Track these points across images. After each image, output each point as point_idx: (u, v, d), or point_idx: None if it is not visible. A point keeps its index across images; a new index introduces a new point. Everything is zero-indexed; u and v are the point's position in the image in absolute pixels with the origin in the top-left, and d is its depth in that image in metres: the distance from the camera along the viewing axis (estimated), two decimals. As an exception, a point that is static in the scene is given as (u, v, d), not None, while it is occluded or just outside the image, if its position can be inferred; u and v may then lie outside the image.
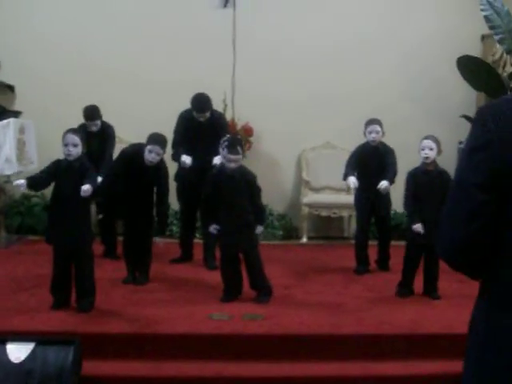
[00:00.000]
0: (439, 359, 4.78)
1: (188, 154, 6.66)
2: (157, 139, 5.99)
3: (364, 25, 8.62)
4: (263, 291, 5.67)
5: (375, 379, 4.66)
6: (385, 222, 6.86)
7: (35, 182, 5.36)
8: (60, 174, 5.31)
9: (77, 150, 5.27)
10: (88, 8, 8.53)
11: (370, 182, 6.52)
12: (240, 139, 5.72)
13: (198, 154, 6.62)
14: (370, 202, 6.66)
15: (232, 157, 5.48)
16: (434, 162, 5.81)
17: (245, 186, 5.57)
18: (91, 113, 7.10)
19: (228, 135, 5.95)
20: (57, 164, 5.39)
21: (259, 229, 5.73)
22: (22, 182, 5.26)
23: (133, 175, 6.04)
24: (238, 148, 5.51)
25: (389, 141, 6.80)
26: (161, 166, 6.12)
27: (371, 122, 6.55)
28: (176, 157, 6.76)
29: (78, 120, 7.04)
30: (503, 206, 1.94)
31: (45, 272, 6.04)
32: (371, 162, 6.62)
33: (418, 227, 5.72)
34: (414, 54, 8.64)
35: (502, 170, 1.92)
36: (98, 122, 7.14)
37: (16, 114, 8.18)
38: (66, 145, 5.26)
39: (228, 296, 5.64)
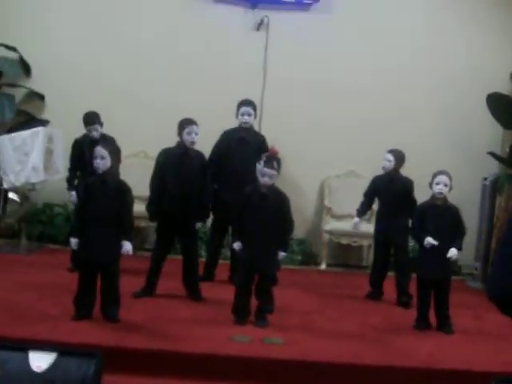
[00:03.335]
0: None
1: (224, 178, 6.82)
2: (189, 120, 6.22)
3: (394, 58, 8.62)
4: (264, 315, 5.67)
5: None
6: (401, 252, 6.82)
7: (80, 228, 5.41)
8: (92, 189, 5.37)
9: (104, 163, 5.32)
10: (125, 25, 8.62)
11: (388, 212, 6.80)
12: (278, 157, 5.74)
13: (236, 176, 6.71)
14: (383, 230, 6.81)
15: (267, 170, 5.49)
16: (444, 197, 5.85)
17: (277, 207, 5.59)
18: (91, 117, 6.96)
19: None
20: (88, 185, 5.49)
21: (281, 254, 5.69)
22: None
23: (179, 169, 6.25)
24: (275, 163, 5.54)
25: (413, 173, 6.82)
26: (204, 157, 6.48)
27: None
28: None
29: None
30: None
31: (65, 282, 6.10)
32: (389, 192, 6.80)
33: (429, 240, 5.72)
34: (442, 89, 8.64)
35: None
36: (98, 128, 6.93)
37: (45, 123, 8.23)
38: (94, 157, 5.32)
39: (243, 317, 5.63)
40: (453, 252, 5.69)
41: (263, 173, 5.51)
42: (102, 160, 5.33)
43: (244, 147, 6.86)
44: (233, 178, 6.74)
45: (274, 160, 5.57)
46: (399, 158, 6.79)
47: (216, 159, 6.90)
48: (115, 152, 6.40)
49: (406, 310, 6.46)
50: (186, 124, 6.21)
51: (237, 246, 5.69)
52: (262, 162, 5.53)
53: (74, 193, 6.87)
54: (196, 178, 6.26)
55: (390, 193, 6.81)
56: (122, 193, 5.42)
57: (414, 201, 6.65)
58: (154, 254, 6.39)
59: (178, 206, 6.17)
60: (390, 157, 6.77)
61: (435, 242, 5.70)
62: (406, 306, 6.54)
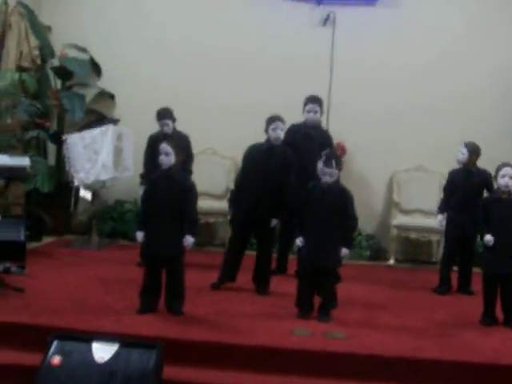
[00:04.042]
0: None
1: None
2: (277, 117, 6.28)
3: (456, 45, 8.53)
4: (327, 310, 5.66)
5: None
6: (470, 245, 6.87)
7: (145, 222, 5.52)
8: (157, 184, 5.48)
9: (169, 159, 5.41)
10: (192, 24, 8.77)
11: (464, 205, 6.72)
12: (337, 154, 5.74)
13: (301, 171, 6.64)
14: (460, 223, 6.75)
15: (327, 170, 5.49)
16: (510, 191, 5.74)
17: (339, 203, 5.56)
18: (162, 112, 7.10)
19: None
20: (153, 180, 5.60)
21: (344, 251, 5.64)
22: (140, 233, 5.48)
23: (261, 164, 6.28)
24: (333, 162, 5.51)
25: (480, 161, 6.78)
26: (289, 155, 6.44)
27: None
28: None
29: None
30: None
31: (133, 276, 6.21)
32: (466, 185, 6.78)
33: (488, 238, 5.65)
34: (504, 72, 8.46)
35: None
36: (170, 123, 7.07)
37: (115, 122, 8.39)
38: (159, 153, 5.42)
39: (306, 311, 5.64)
40: None
41: (323, 172, 5.52)
42: (166, 156, 5.42)
43: (309, 143, 6.85)
44: (298, 174, 6.74)
45: (332, 158, 5.55)
46: (473, 150, 6.76)
47: None
48: (184, 149, 6.51)
49: (471, 296, 6.68)
50: (271, 120, 6.28)
51: (299, 241, 5.69)
52: (321, 162, 5.53)
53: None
54: (277, 175, 6.27)
55: (467, 186, 6.77)
56: (186, 188, 5.48)
57: None
58: (229, 248, 6.49)
59: (256, 201, 6.22)
60: (464, 149, 6.78)
61: (491, 242, 5.63)
62: (471, 294, 6.77)
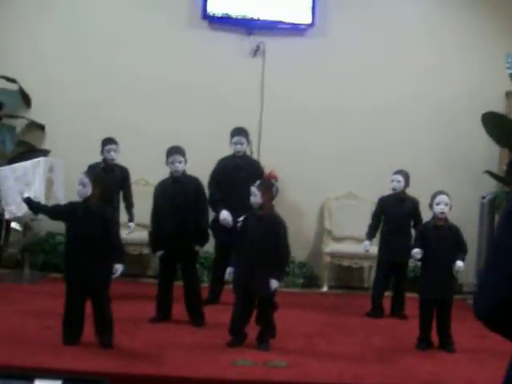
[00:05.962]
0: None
1: (226, 203, 6.97)
2: (172, 149, 6.38)
3: (391, 81, 8.74)
4: (266, 339, 5.68)
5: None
6: (402, 269, 7.10)
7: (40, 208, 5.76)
8: (77, 215, 5.44)
9: (85, 190, 5.42)
10: (124, 52, 8.74)
11: (396, 232, 6.99)
12: (269, 181, 5.87)
13: (236, 202, 6.75)
14: (392, 249, 6.98)
15: (251, 188, 5.60)
16: (445, 217, 5.93)
17: (271, 231, 5.62)
18: (109, 138, 7.14)
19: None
20: (72, 205, 5.60)
21: (273, 283, 5.58)
22: None
23: (172, 196, 6.35)
24: (259, 182, 5.69)
25: (413, 194, 7.00)
26: (199, 182, 6.52)
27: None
28: (214, 209, 7.06)
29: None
30: None
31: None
32: (398, 212, 7.03)
33: (415, 252, 5.86)
34: (440, 110, 8.72)
35: None
36: (116, 148, 7.12)
37: (45, 153, 8.30)
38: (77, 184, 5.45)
39: (237, 340, 5.66)
40: (459, 264, 5.77)
41: (250, 192, 5.63)
42: (82, 187, 5.42)
43: (240, 173, 7.02)
44: (232, 205, 6.85)
45: (261, 181, 5.78)
46: (407, 177, 7.01)
47: (215, 186, 7.07)
48: (124, 181, 6.94)
49: (404, 320, 6.89)
50: (168, 154, 6.37)
51: (228, 270, 5.77)
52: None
53: None
54: (190, 203, 6.35)
55: (399, 213, 6.99)
56: (106, 219, 5.49)
57: (421, 220, 6.77)
58: (160, 281, 6.47)
59: (174, 232, 6.26)
60: (400, 177, 7.00)
61: (419, 255, 5.83)
62: (404, 318, 6.97)
